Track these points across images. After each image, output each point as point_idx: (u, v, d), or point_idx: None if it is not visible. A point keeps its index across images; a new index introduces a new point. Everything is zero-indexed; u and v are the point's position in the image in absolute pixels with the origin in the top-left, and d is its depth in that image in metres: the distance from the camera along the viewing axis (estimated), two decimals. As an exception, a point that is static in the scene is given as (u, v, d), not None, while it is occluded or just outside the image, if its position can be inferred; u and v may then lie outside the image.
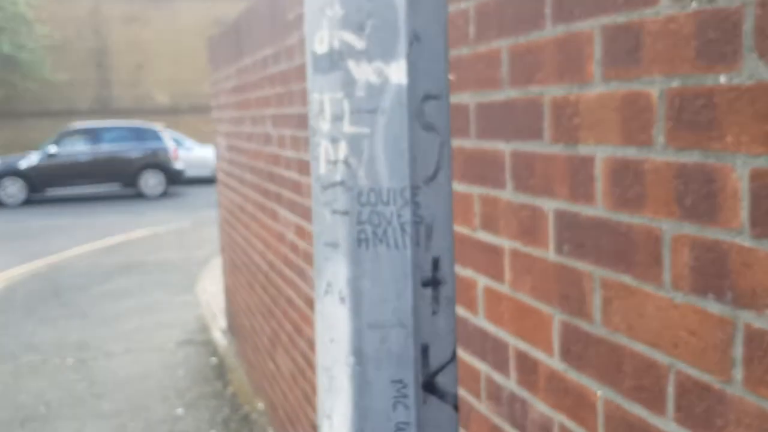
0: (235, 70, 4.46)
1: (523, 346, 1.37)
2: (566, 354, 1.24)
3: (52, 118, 20.71)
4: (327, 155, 0.85)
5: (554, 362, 1.27)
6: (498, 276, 1.45)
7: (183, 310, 6.85)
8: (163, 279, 8.14)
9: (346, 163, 0.83)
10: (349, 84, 0.83)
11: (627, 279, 1.07)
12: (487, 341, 1.51)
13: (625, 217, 1.06)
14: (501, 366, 1.46)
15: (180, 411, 4.45)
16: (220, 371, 5.16)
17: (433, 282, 0.86)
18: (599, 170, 1.11)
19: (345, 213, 0.84)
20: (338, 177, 0.84)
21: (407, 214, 0.82)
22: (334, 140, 0.84)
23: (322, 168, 0.86)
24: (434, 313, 0.86)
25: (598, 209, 1.12)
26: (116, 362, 5.42)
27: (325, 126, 0.86)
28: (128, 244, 10.51)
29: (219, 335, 5.86)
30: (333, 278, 0.86)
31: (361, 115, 0.82)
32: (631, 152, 1.03)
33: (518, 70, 1.30)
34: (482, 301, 1.53)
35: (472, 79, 1.47)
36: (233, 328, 5.46)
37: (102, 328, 6.42)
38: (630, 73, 1.03)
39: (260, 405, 4.29)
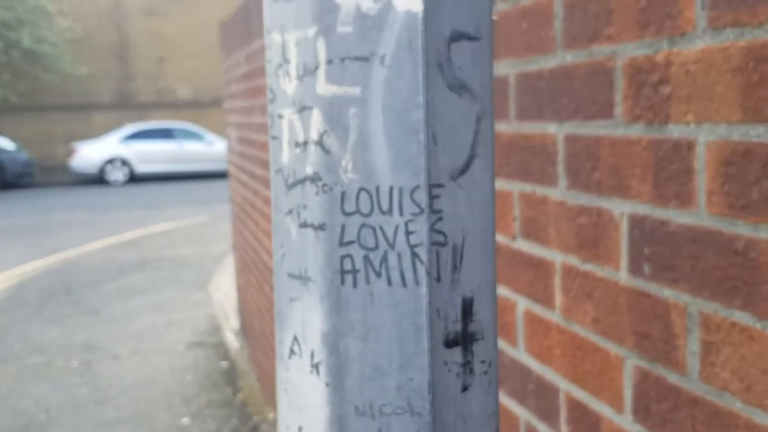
0: (245, 55, 4.16)
1: (580, 393, 1.04)
2: (643, 413, 0.90)
3: (75, 112, 20.69)
4: (292, 133, 0.53)
5: (625, 422, 0.94)
6: (545, 299, 1.12)
7: (195, 309, 6.60)
8: (177, 275, 7.91)
9: (322, 145, 0.51)
10: (327, 13, 0.50)
11: (744, 318, 0.74)
12: (530, 381, 1.18)
13: (745, 228, 0.72)
14: (547, 415, 1.13)
15: (185, 420, 4.18)
16: (231, 376, 4.88)
17: (463, 338, 0.53)
18: (702, 159, 0.77)
19: (320, 227, 0.51)
20: (309, 168, 0.52)
21: (422, 230, 0.50)
22: (302, 108, 0.52)
23: (285, 154, 0.53)
24: (465, 388, 0.54)
25: (699, 215, 0.78)
26: (122, 365, 5.17)
27: (288, 86, 0.53)
28: (145, 239, 10.31)
29: (231, 337, 5.59)
30: (301, 331, 0.54)
31: (346, 65, 0.50)
32: (758, 133, 0.70)
33: (578, 24, 0.97)
34: (522, 328, 1.20)
35: (512, 42, 1.13)
36: (245, 330, 5.18)
37: (111, 328, 6.19)
38: (756, 15, 0.69)
39: (271, 415, 4.00)
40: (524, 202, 1.15)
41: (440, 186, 0.50)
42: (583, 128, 0.98)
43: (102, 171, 17.23)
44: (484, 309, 0.54)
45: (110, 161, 17.28)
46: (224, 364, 5.14)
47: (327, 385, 0.52)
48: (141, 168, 17.57)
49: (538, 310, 1.14)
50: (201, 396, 4.51)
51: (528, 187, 1.14)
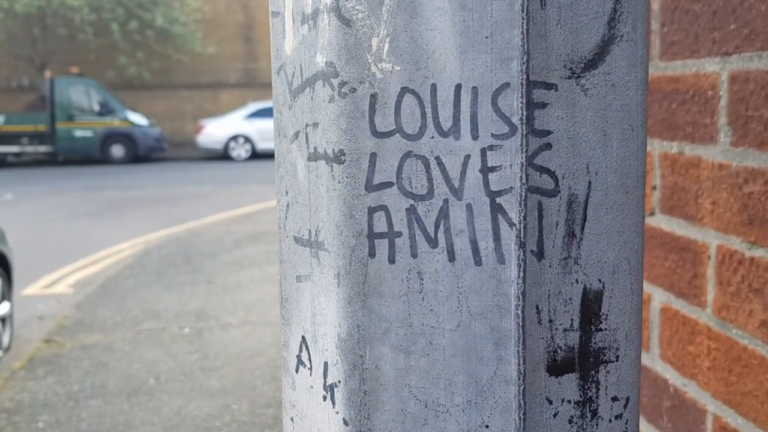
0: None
1: (736, 420, 0.78)
2: (840, 461, 0.64)
3: (203, 90, 21.67)
4: (299, 0, 0.32)
5: (810, 470, 0.67)
6: (692, 293, 0.86)
7: (304, 284, 6.61)
8: (289, 250, 8.01)
9: (339, 12, 0.29)
10: None
11: None
12: (665, 395, 0.92)
13: None
14: (689, 443, 0.87)
15: (287, 395, 4.14)
16: (334, 354, 4.83)
17: (582, 358, 0.31)
18: None
19: (335, 159, 0.30)
20: (320, 57, 0.31)
21: (512, 166, 0.28)
22: (312, -45, 0.31)
23: (289, 39, 0.33)
24: (582, 443, 0.31)
25: None
26: (231, 335, 5.25)
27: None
28: (261, 213, 10.59)
29: (337, 313, 5.55)
30: (311, 330, 0.33)
31: None
32: None
33: None
34: (657, 329, 0.94)
35: (659, -46, 0.87)
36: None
37: (223, 298, 6.34)
38: None
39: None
40: (667, 165, 0.89)
41: (549, 86, 0.28)
42: (758, 61, 0.71)
43: (226, 147, 17.90)
44: (621, 309, 0.31)
45: (234, 138, 17.92)
46: (329, 340, 5.10)
47: (345, 423, 0.31)
48: (262, 145, 18.08)
49: (681, 306, 0.88)
50: (304, 371, 4.48)
51: (674, 146, 0.87)
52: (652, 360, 0.95)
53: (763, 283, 0.75)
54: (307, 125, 0.31)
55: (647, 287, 0.95)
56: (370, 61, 0.28)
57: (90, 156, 16.11)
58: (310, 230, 0.32)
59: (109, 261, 7.97)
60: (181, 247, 8.47)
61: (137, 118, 16.73)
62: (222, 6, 22.18)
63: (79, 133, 15.83)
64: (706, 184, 0.83)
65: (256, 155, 19.44)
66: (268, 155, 18.97)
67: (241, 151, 19.31)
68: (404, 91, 0.28)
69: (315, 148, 0.31)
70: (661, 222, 0.92)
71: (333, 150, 0.30)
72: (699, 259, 0.85)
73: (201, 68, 21.82)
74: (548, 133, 0.28)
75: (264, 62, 23.12)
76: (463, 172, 0.28)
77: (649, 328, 0.96)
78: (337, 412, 0.31)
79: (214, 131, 19.21)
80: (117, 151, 16.25)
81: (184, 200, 12.28)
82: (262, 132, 19.52)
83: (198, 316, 5.81)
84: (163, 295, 6.35)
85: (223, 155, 19.39)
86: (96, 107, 16.14)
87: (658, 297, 0.94)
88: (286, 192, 0.34)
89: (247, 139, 19.37)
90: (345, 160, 0.29)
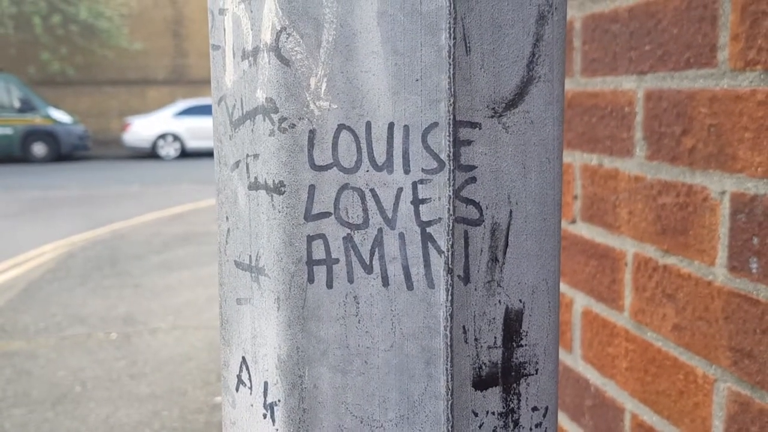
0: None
1: (651, 418, 0.83)
2: (741, 452, 0.69)
3: (130, 87, 21.06)
4: (238, 37, 0.33)
5: (715, 462, 0.73)
6: (610, 297, 0.91)
7: (236, 286, 6.51)
8: (221, 251, 7.88)
9: (278, 51, 0.31)
10: None
11: None
12: (586, 394, 0.97)
13: None
14: (609, 439, 0.92)
15: (218, 399, 4.09)
16: (267, 356, 4.78)
17: (504, 373, 0.34)
18: None
19: (276, 189, 0.32)
20: (260, 93, 0.32)
21: (441, 198, 0.30)
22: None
23: (230, 72, 0.34)
24: (506, 451, 0.34)
25: None
26: (160, 340, 5.13)
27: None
28: (192, 214, 10.38)
29: (270, 316, 5.50)
30: (252, 351, 0.35)
31: None
32: None
33: (672, -58, 0.74)
34: (579, 330, 0.99)
35: (580, -23, 0.92)
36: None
37: (152, 301, 6.18)
38: None
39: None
40: (588, 176, 0.94)
41: (474, 125, 0.30)
42: (671, 81, 0.76)
43: (154, 146, 17.45)
44: (540, 326, 0.34)
45: (162, 136, 17.48)
46: (262, 343, 5.05)
47: (286, 439, 0.33)
48: (192, 144, 17.71)
49: (601, 310, 0.93)
50: (236, 375, 4.42)
51: (594, 159, 0.92)
52: (575, 361, 1.00)
53: (675, 289, 0.80)
54: (247, 155, 0.33)
55: (570, 291, 1.00)
56: (308, 99, 0.30)
57: (10, 154, 15.43)
58: (250, 255, 0.33)
59: (31, 264, 7.65)
60: (107, 249, 8.21)
61: (60, 116, 16.11)
62: (149, 1, 21.60)
63: (-3, 131, 15.15)
64: (623, 194, 0.88)
65: (186, 154, 19.01)
66: (199, 154, 18.61)
67: (170, 149, 18.83)
68: (341, 127, 0.30)
69: (255, 178, 0.32)
70: (582, 230, 0.97)
71: (273, 181, 0.31)
72: (617, 266, 0.90)
73: (127, 64, 21.20)
74: (473, 167, 0.30)
75: (194, 59, 22.65)
76: (396, 204, 0.30)
77: (572, 330, 1.00)
78: (277, 430, 0.33)
79: (142, 129, 18.67)
80: (39, 149, 15.62)
81: (111, 200, 11.89)
82: (192, 130, 19.10)
83: (125, 321, 5.65)
84: (89, 300, 6.14)
85: (151, 154, 18.89)
86: (16, 104, 15.47)
87: (579, 300, 0.99)
88: (227, 218, 0.35)
89: (177, 138, 18.91)
90: (285, 191, 0.31)
